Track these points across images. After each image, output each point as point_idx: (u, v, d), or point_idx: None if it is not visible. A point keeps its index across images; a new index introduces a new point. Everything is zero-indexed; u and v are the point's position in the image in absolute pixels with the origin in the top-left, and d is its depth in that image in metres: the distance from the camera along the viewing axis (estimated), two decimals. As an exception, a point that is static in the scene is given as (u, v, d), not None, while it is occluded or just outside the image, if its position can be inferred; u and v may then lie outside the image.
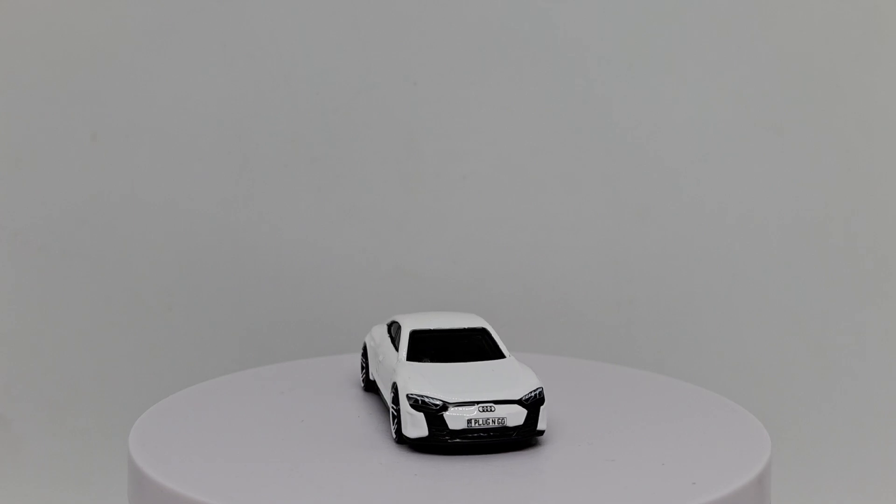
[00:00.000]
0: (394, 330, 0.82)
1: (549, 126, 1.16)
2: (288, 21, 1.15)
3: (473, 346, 0.79)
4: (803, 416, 1.17)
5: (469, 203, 1.17)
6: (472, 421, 0.72)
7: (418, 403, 0.73)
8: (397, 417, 0.74)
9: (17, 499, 1.17)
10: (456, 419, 0.72)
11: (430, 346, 0.78)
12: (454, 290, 1.17)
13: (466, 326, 0.80)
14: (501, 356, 0.79)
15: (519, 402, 0.73)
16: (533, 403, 0.73)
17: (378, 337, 0.84)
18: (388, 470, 0.72)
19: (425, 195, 1.17)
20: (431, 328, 0.79)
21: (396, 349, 0.79)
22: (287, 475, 0.71)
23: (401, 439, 0.74)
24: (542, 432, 0.74)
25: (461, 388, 0.73)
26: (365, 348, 0.86)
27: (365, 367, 0.85)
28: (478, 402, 0.73)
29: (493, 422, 0.72)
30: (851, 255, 1.16)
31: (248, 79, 1.16)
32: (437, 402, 0.72)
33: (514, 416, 0.73)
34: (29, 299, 1.18)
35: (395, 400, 0.74)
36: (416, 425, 0.72)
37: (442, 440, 0.72)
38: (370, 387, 0.85)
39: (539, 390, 0.74)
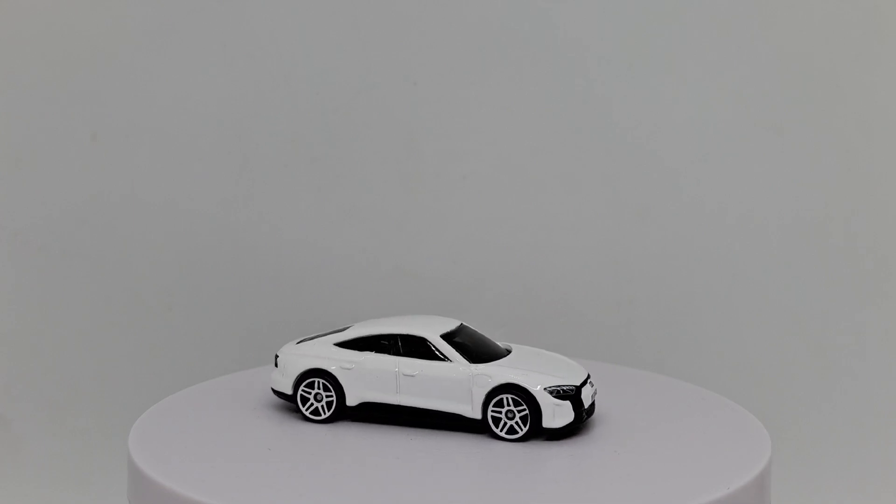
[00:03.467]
0: (386, 345, 0.79)
1: (549, 126, 1.16)
2: (288, 21, 1.15)
3: (479, 341, 0.81)
4: (803, 416, 1.17)
5: (469, 203, 1.17)
6: (592, 396, 0.79)
7: (560, 393, 0.76)
8: (507, 419, 0.76)
9: (17, 499, 1.17)
10: (587, 398, 0.78)
11: (454, 349, 0.79)
12: (454, 290, 1.17)
13: (455, 326, 0.81)
14: (507, 348, 0.82)
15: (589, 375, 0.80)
16: None
17: (358, 358, 0.79)
18: (388, 469, 0.72)
19: (425, 195, 1.17)
20: (446, 331, 0.80)
21: (429, 359, 0.77)
22: (287, 475, 0.71)
23: (527, 436, 0.76)
24: None
25: (563, 372, 0.78)
26: (325, 375, 0.79)
27: (335, 394, 0.79)
28: (587, 380, 0.79)
29: (594, 395, 0.79)
30: (851, 255, 1.16)
31: (248, 79, 1.16)
32: (572, 388, 0.77)
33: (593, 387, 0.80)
34: (29, 299, 1.18)
35: (500, 403, 0.76)
36: (563, 414, 0.76)
37: (581, 420, 0.77)
38: (342, 415, 0.79)
39: None
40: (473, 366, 0.77)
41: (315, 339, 0.81)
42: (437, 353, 0.78)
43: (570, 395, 0.76)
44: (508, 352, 0.81)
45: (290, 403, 0.81)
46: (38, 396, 1.19)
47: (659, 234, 1.16)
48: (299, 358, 0.80)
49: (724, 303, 1.17)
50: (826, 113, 1.15)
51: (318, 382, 0.79)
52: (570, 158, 1.16)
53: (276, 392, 0.81)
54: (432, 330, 0.79)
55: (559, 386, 0.76)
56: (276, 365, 0.82)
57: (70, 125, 1.16)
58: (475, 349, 0.79)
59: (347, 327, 0.82)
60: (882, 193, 1.16)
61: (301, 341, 0.82)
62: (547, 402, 0.75)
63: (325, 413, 0.79)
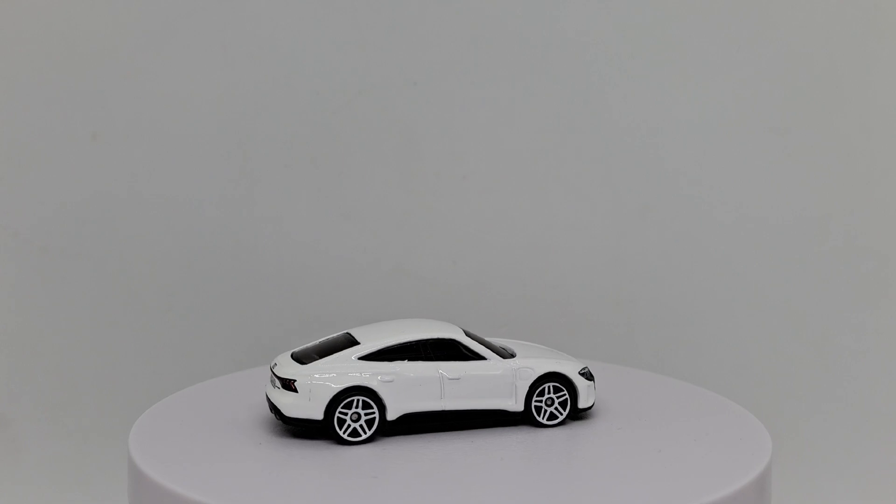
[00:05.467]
0: (433, 351, 0.77)
1: (549, 126, 1.16)
2: (288, 21, 1.15)
3: (482, 339, 0.81)
4: (803, 416, 1.17)
5: (469, 203, 1.17)
6: None
7: (587, 375, 0.80)
8: (546, 406, 0.79)
9: (17, 499, 1.17)
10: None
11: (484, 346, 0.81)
12: (454, 290, 1.17)
13: (457, 327, 0.81)
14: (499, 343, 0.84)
15: None
16: None
17: (395, 368, 0.76)
18: (388, 468, 0.72)
19: (425, 195, 1.17)
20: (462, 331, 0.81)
21: (464, 360, 0.77)
22: (287, 475, 0.71)
23: (560, 419, 0.79)
24: None
25: (569, 356, 0.82)
26: (365, 391, 0.75)
27: (377, 410, 0.75)
28: None
29: None
30: (851, 255, 1.16)
31: (248, 79, 1.16)
32: (588, 369, 0.81)
33: None
34: (29, 299, 1.18)
35: (542, 392, 0.78)
36: (591, 394, 0.80)
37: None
38: (381, 432, 0.76)
39: None
40: (511, 360, 0.78)
41: (331, 356, 0.76)
42: (470, 352, 0.78)
43: (591, 375, 0.81)
44: (505, 347, 0.82)
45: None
46: (38, 396, 1.19)
47: (659, 234, 1.16)
48: (329, 377, 0.75)
49: (724, 303, 1.17)
50: (826, 113, 1.15)
51: (358, 401, 0.75)
52: (570, 158, 1.16)
53: (290, 420, 0.75)
54: (455, 331, 0.79)
55: (585, 368, 0.80)
56: (293, 389, 0.75)
57: (70, 125, 1.16)
58: (490, 345, 0.80)
59: (339, 336, 0.79)
60: (882, 193, 1.16)
61: (303, 360, 0.77)
62: (582, 385, 0.79)
63: (365, 432, 0.75)
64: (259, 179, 1.17)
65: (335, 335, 0.80)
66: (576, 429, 0.79)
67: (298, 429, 0.76)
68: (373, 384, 0.75)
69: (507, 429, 0.78)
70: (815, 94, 1.15)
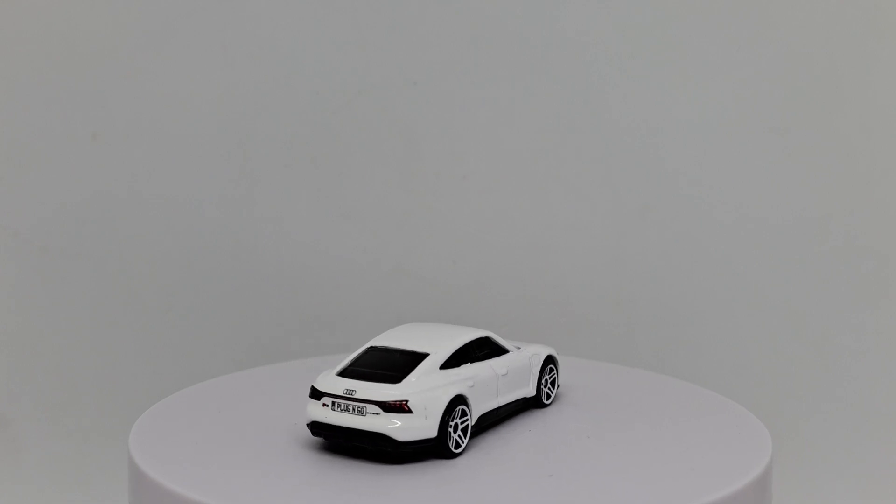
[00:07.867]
0: (477, 351, 0.77)
1: (549, 126, 1.16)
2: (288, 21, 1.15)
3: None
4: (803, 416, 1.17)
5: (469, 203, 1.17)
6: None
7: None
8: (543, 388, 0.83)
9: (17, 499, 1.17)
10: None
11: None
12: (454, 290, 1.17)
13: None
14: None
15: None
16: None
17: (469, 372, 0.75)
18: (386, 468, 0.72)
19: (425, 195, 1.17)
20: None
21: (501, 355, 0.79)
22: (287, 475, 0.71)
23: (553, 397, 0.84)
24: None
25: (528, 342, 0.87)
26: (463, 400, 0.73)
27: (468, 417, 0.74)
28: None
29: None
30: (851, 255, 1.16)
31: (248, 79, 1.16)
32: None
33: None
34: (29, 299, 1.18)
35: (543, 377, 0.83)
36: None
37: None
38: (474, 432, 0.76)
39: None
40: (523, 349, 0.82)
41: (416, 370, 0.72)
42: (500, 347, 0.80)
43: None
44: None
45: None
46: (38, 396, 1.19)
47: (659, 234, 1.16)
48: (434, 392, 0.72)
49: (723, 303, 1.17)
50: (826, 113, 1.15)
51: (458, 410, 0.73)
52: (570, 158, 1.16)
53: (403, 444, 0.71)
54: (481, 329, 0.80)
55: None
56: (405, 410, 0.70)
57: (70, 125, 1.16)
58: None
59: (371, 352, 0.75)
60: (882, 193, 1.16)
61: (382, 381, 0.72)
62: (558, 364, 0.84)
63: (464, 441, 0.73)
64: (259, 179, 1.17)
65: (361, 351, 0.75)
66: (578, 427, 0.79)
67: (410, 453, 0.72)
68: (465, 391, 0.74)
69: (522, 415, 0.81)
70: (815, 94, 1.15)
